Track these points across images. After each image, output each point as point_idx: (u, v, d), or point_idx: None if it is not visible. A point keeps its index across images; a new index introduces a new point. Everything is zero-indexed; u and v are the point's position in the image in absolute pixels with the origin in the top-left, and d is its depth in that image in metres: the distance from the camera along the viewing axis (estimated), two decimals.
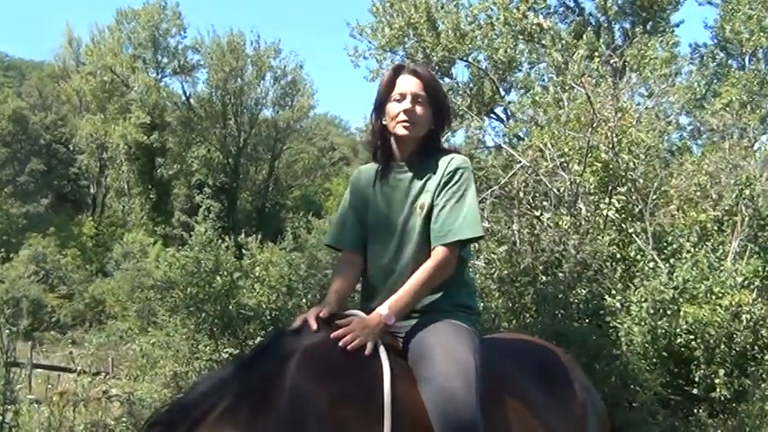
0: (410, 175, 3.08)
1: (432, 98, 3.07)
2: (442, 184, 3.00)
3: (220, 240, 9.27)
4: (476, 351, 2.87)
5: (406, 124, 3.02)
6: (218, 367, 7.14)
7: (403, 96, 3.04)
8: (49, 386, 8.40)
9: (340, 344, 2.73)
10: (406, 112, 3.01)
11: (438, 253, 2.95)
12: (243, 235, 10.23)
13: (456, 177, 2.99)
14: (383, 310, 2.87)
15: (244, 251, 9.72)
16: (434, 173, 3.03)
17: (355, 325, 2.80)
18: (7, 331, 6.48)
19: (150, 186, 42.62)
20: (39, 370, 13.28)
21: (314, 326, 2.78)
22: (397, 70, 3.13)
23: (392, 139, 3.11)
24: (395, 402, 2.64)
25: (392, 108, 3.05)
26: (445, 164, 3.03)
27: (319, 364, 2.64)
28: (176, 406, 2.57)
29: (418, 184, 3.05)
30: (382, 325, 2.84)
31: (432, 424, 2.65)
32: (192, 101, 45.07)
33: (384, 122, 3.11)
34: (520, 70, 20.81)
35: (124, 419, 6.85)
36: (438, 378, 2.71)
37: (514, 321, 7.17)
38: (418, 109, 3.03)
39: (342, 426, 2.52)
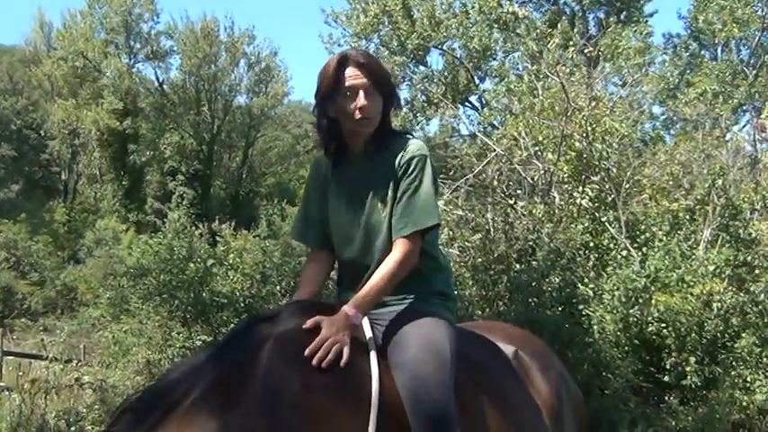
0: (368, 166, 3.01)
1: (379, 86, 2.97)
2: (399, 175, 2.94)
3: (194, 227, 9.23)
4: (451, 339, 2.86)
5: (364, 121, 2.93)
6: (192, 354, 7.12)
7: (354, 91, 2.92)
8: (21, 374, 8.33)
9: (314, 362, 2.63)
10: (361, 109, 2.91)
11: (399, 245, 2.91)
12: (217, 222, 10.19)
13: (411, 167, 2.93)
14: (349, 309, 2.82)
15: (218, 238, 9.68)
16: (392, 162, 2.96)
17: (324, 332, 2.71)
18: None
19: (123, 173, 42.29)
20: (9, 357, 13.18)
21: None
22: (342, 62, 2.97)
23: (345, 133, 3.02)
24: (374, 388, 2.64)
25: (344, 105, 2.93)
26: (401, 153, 2.96)
27: (293, 352, 2.62)
28: (148, 393, 2.55)
29: (377, 176, 2.99)
30: (350, 324, 2.78)
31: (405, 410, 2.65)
32: (165, 87, 44.74)
33: (332, 115, 3.00)
34: (494, 59, 20.86)
35: (96, 407, 6.80)
36: (411, 364, 2.70)
37: (488, 309, 7.20)
38: (371, 102, 2.92)
39: (316, 413, 2.51)
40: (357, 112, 2.91)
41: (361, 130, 2.97)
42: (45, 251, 39.55)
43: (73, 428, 6.54)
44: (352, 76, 2.94)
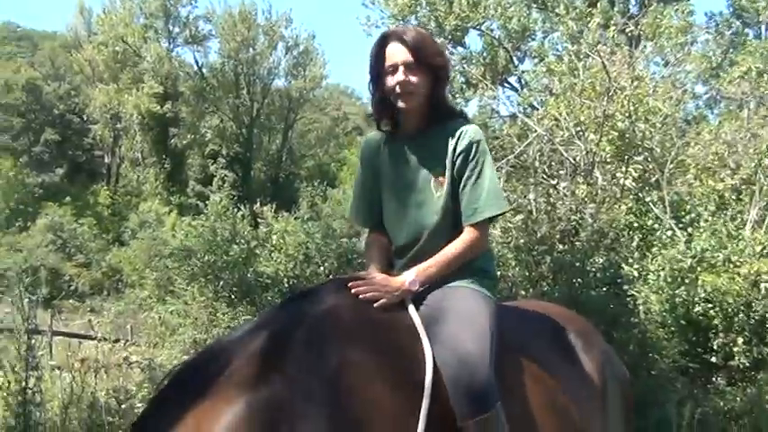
0: (420, 146, 3.02)
1: (424, 61, 2.95)
2: (459, 160, 2.94)
3: (236, 209, 9.30)
4: (491, 315, 2.86)
5: (404, 96, 2.94)
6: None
7: (394, 68, 2.94)
8: (70, 353, 8.45)
9: (360, 297, 2.74)
10: (400, 84, 2.92)
11: (467, 233, 2.93)
12: (258, 204, 10.25)
13: (472, 152, 2.92)
14: (409, 276, 2.85)
15: (259, 220, 9.75)
16: (444, 144, 2.96)
17: (378, 281, 2.81)
18: (27, 299, 6.51)
19: (164, 156, 42.70)
20: (59, 337, 13.38)
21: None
22: (384, 40, 3.00)
23: (396, 110, 3.03)
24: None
25: (387, 81, 2.96)
26: (457, 135, 2.95)
27: (332, 328, 2.64)
28: (190, 366, 2.60)
29: (430, 154, 2.99)
30: (405, 289, 2.83)
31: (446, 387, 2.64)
32: (204, 71, 45.03)
33: (381, 94, 3.02)
34: (533, 39, 20.67)
35: (145, 385, 6.89)
36: (451, 340, 2.70)
37: (531, 290, 7.17)
38: (412, 78, 2.92)
39: (351, 390, 2.51)
40: (397, 87, 2.92)
41: (404, 106, 2.97)
42: (90, 233, 40.12)
43: (123, 406, 6.64)
44: (393, 52, 2.96)
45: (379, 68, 2.99)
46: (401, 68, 2.92)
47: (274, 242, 8.75)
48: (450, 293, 2.89)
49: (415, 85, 2.92)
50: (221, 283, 8.23)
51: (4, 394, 6.02)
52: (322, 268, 7.83)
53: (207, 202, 9.63)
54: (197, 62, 45.67)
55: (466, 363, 2.64)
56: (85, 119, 48.14)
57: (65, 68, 51.42)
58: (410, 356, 2.69)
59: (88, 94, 47.15)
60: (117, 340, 8.99)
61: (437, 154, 2.97)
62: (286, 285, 7.88)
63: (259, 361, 2.49)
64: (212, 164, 42.41)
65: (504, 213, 3.06)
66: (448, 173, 2.95)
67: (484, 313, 2.84)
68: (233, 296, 8.19)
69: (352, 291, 2.76)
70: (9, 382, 6.00)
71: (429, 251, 2.95)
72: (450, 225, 2.97)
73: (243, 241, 8.57)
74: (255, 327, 2.66)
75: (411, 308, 2.85)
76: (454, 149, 2.94)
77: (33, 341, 6.34)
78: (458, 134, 2.95)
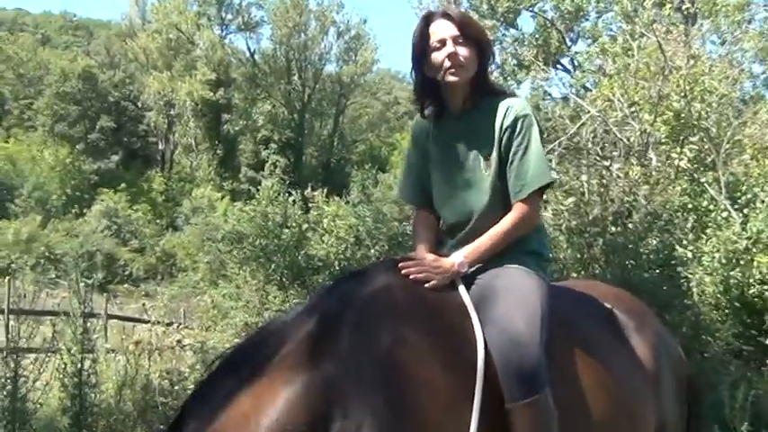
0: (466, 125, 2.98)
1: (471, 37, 2.92)
2: (505, 137, 2.90)
3: (287, 194, 9.35)
4: (543, 296, 2.82)
5: (454, 70, 2.89)
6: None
7: (442, 42, 2.89)
8: (124, 336, 8.60)
9: (411, 277, 2.73)
10: (450, 57, 2.87)
11: (517, 209, 2.90)
12: (309, 189, 10.30)
13: (518, 128, 2.88)
14: (458, 257, 2.83)
15: (310, 205, 9.79)
16: (493, 120, 2.92)
17: (428, 262, 2.79)
18: (83, 283, 6.63)
19: (217, 142, 43.19)
20: (113, 321, 13.64)
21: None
22: (428, 18, 2.97)
23: (442, 90, 2.99)
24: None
25: (435, 57, 2.91)
26: (503, 111, 2.91)
27: (383, 308, 2.63)
28: (241, 349, 2.62)
29: (477, 132, 2.96)
30: (455, 270, 2.81)
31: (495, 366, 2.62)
32: (256, 57, 45.37)
33: (428, 74, 2.97)
34: (587, 19, 20.37)
35: (198, 367, 6.98)
36: (501, 320, 2.67)
37: (583, 272, 7.10)
38: (462, 51, 2.88)
39: (403, 370, 2.50)
40: (446, 60, 2.88)
41: (454, 81, 2.92)
42: (144, 219, 40.80)
43: (176, 387, 6.74)
44: (440, 27, 2.93)
45: (423, 46, 2.95)
46: (449, 42, 2.88)
47: (325, 226, 8.79)
48: (501, 273, 2.86)
49: (465, 58, 2.89)
50: (272, 266, 8.29)
51: (61, 376, 6.14)
52: (373, 251, 7.85)
53: (259, 187, 9.69)
54: (249, 48, 46.17)
55: (516, 343, 2.61)
56: (140, 106, 48.89)
57: (119, 57, 52.27)
58: (462, 337, 2.67)
59: (142, 82, 47.87)
60: (170, 323, 9.13)
61: (484, 132, 2.94)
62: (337, 268, 7.91)
63: (311, 343, 2.49)
64: (264, 149, 42.75)
65: (551, 185, 3.00)
66: (495, 151, 2.91)
67: (535, 293, 2.80)
68: (284, 279, 8.26)
69: (402, 272, 2.75)
70: (65, 365, 6.11)
71: (479, 231, 2.92)
72: (500, 204, 2.93)
73: (294, 225, 8.62)
74: (306, 309, 2.66)
75: (461, 288, 2.82)
76: (501, 126, 2.90)
77: (89, 324, 6.44)
78: (504, 110, 2.91)
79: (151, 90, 45.22)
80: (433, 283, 2.77)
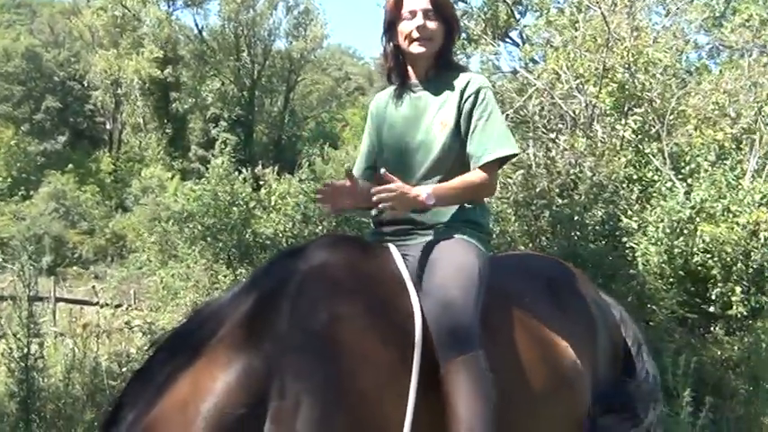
0: (427, 93, 3.07)
1: (441, 12, 3.05)
2: (467, 105, 2.99)
3: (237, 173, 9.28)
4: (481, 266, 2.85)
5: (421, 41, 3.01)
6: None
7: (413, 14, 3.01)
8: (73, 319, 8.49)
9: (374, 198, 2.78)
10: (419, 28, 2.99)
11: (478, 173, 2.96)
12: (260, 167, 10.23)
13: (480, 97, 2.98)
14: (426, 190, 2.86)
15: (261, 183, 9.74)
16: (452, 90, 3.02)
17: (397, 188, 2.80)
18: (30, 267, 6.52)
19: (166, 121, 42.66)
20: (62, 304, 13.46)
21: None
22: None
23: (406, 59, 3.10)
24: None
25: (404, 27, 3.03)
26: (464, 83, 3.01)
27: (321, 285, 2.64)
28: (179, 332, 2.61)
29: (436, 101, 3.04)
30: (421, 200, 2.83)
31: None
32: (204, 34, 44.79)
33: (396, 43, 3.09)
34: None
35: (147, 348, 6.93)
36: (436, 290, 2.71)
37: (531, 244, 7.17)
38: (430, 24, 3.00)
39: (341, 347, 2.51)
40: (415, 31, 3.00)
41: (421, 52, 3.04)
42: (93, 201, 40.24)
43: (125, 369, 6.68)
44: (412, 0, 3.04)
45: (395, 15, 3.06)
46: (420, 14, 3.00)
47: (273, 203, 8.75)
48: (440, 245, 2.90)
49: (432, 32, 3.01)
50: (220, 245, 8.24)
51: (7, 361, 6.06)
52: (320, 228, 7.83)
53: (209, 165, 9.60)
54: (197, 25, 45.51)
55: (448, 307, 2.66)
56: (86, 85, 47.99)
57: (64, 35, 51.23)
58: (400, 310, 2.69)
59: (88, 61, 47.02)
60: (119, 305, 9.04)
61: (444, 100, 3.04)
62: (284, 245, 7.88)
63: (248, 324, 2.50)
64: (214, 127, 42.32)
65: (513, 157, 3.09)
66: (453, 116, 3.00)
67: (472, 263, 2.85)
68: (232, 258, 8.21)
69: (374, 198, 2.78)
70: (11, 349, 6.03)
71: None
72: (446, 166, 3.00)
73: (242, 203, 8.56)
74: (243, 289, 2.66)
75: (400, 261, 2.87)
76: (461, 94, 3.00)
77: (36, 308, 6.35)
78: (466, 81, 3.03)
79: (97, 69, 44.43)
80: (394, 208, 2.82)
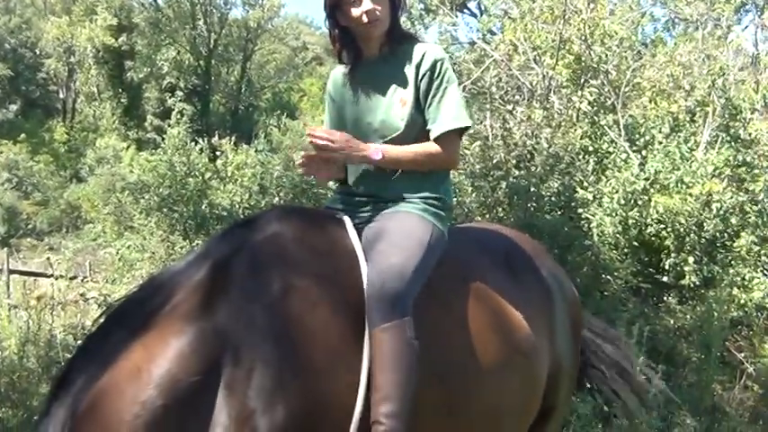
0: (382, 67, 3.06)
1: None
2: (424, 81, 2.98)
3: (194, 143, 9.19)
4: (431, 237, 2.88)
5: (371, 25, 2.97)
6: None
7: None
8: (27, 291, 8.38)
9: (318, 143, 2.83)
10: (367, 13, 2.95)
11: (433, 145, 2.98)
12: (216, 137, 10.14)
13: (437, 70, 2.97)
14: (375, 145, 2.90)
15: (217, 153, 9.65)
16: (408, 63, 3.01)
17: (341, 137, 2.85)
18: None
19: (121, 90, 42.06)
20: (16, 276, 13.28)
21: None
22: None
23: (357, 39, 3.07)
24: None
25: (353, 12, 2.97)
26: (420, 55, 3.00)
27: (274, 255, 2.66)
28: (131, 300, 2.60)
29: (392, 76, 3.03)
30: (366, 155, 2.88)
31: None
32: (159, 1, 44.08)
33: (344, 25, 3.04)
34: None
35: (98, 315, 6.89)
36: (377, 256, 2.74)
37: (487, 215, 7.21)
38: (377, 5, 2.96)
39: (293, 316, 2.54)
40: (364, 16, 2.95)
41: (372, 34, 3.02)
42: (47, 171, 39.61)
43: (80, 342, 6.63)
44: None
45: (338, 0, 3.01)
46: None
47: (230, 174, 8.69)
48: (394, 217, 2.93)
49: (380, 12, 2.97)
50: (176, 216, 8.18)
51: None
52: (277, 199, 7.79)
53: (165, 135, 9.48)
54: None
55: (382, 273, 2.68)
56: (38, 53, 47.07)
57: (15, 1, 50.08)
58: (351, 281, 2.72)
59: (40, 28, 46.09)
60: (74, 277, 8.94)
61: (401, 75, 3.03)
62: (241, 216, 7.84)
63: (201, 293, 2.50)
64: (170, 97, 41.70)
65: (467, 129, 3.10)
66: (412, 93, 2.99)
67: (420, 234, 2.87)
68: (188, 229, 8.15)
69: (314, 140, 2.82)
70: None
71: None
72: (413, 141, 3.00)
73: (198, 174, 8.49)
74: (196, 258, 2.66)
75: (353, 233, 2.89)
76: (417, 69, 2.99)
77: None
78: (421, 54, 3.00)
79: (49, 36, 43.62)
80: (341, 156, 2.86)
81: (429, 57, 2.99)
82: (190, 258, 2.67)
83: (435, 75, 2.98)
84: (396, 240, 2.79)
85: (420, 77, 2.99)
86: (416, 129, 3.00)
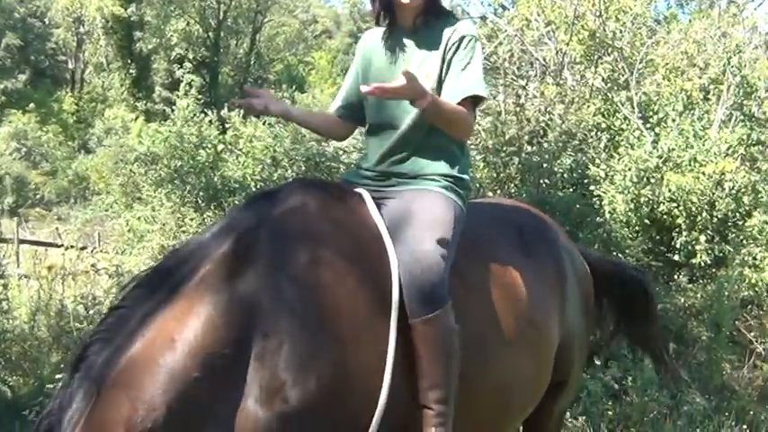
0: (414, 41, 3.08)
1: None
2: (450, 53, 3.00)
3: (203, 114, 9.15)
4: (455, 219, 2.92)
5: None
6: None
7: None
8: (37, 261, 8.43)
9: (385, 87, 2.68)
10: None
11: (461, 107, 2.98)
12: (225, 109, 10.11)
13: (463, 44, 2.99)
14: (429, 91, 2.77)
15: (227, 125, 9.62)
16: (440, 40, 3.03)
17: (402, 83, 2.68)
18: None
19: (130, 61, 41.86)
20: (25, 246, 13.33)
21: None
22: None
23: (394, 5, 3.08)
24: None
25: None
26: (450, 32, 3.02)
27: (298, 227, 2.67)
28: (157, 270, 2.61)
29: (422, 52, 3.06)
30: (420, 94, 2.69)
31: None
32: None
33: None
34: None
35: (113, 291, 6.89)
36: (411, 241, 2.76)
37: (499, 191, 7.19)
38: None
39: (320, 288, 2.56)
40: None
41: (409, 4, 3.02)
42: (55, 141, 39.60)
43: (91, 312, 6.65)
44: None
45: None
46: None
47: (241, 146, 8.66)
48: (418, 196, 2.96)
49: None
50: (188, 188, 8.16)
51: None
52: (290, 172, 7.76)
53: (173, 107, 9.44)
54: None
55: (419, 262, 2.71)
56: (47, 23, 46.92)
57: None
58: (376, 255, 2.75)
59: None
60: (84, 247, 8.97)
61: (430, 49, 3.04)
62: (253, 189, 7.82)
63: (228, 263, 2.51)
64: (179, 68, 41.57)
65: (483, 101, 3.16)
66: (438, 66, 3.01)
67: (447, 216, 2.90)
68: (200, 201, 8.14)
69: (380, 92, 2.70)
70: None
71: (407, 138, 3.04)
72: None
73: (210, 146, 8.46)
74: (221, 229, 2.67)
75: (374, 208, 2.91)
76: (446, 43, 3.01)
77: None
78: (452, 31, 3.02)
79: (59, 6, 43.47)
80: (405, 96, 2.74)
81: (459, 32, 3.01)
82: (214, 230, 2.68)
83: (461, 47, 2.99)
84: (425, 224, 2.82)
85: (447, 50, 3.01)
86: None
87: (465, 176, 3.11)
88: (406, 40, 3.10)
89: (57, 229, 10.69)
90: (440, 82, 3.01)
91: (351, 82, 3.28)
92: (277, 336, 2.42)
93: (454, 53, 3.00)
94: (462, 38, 3.00)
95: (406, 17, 3.09)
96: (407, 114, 3.02)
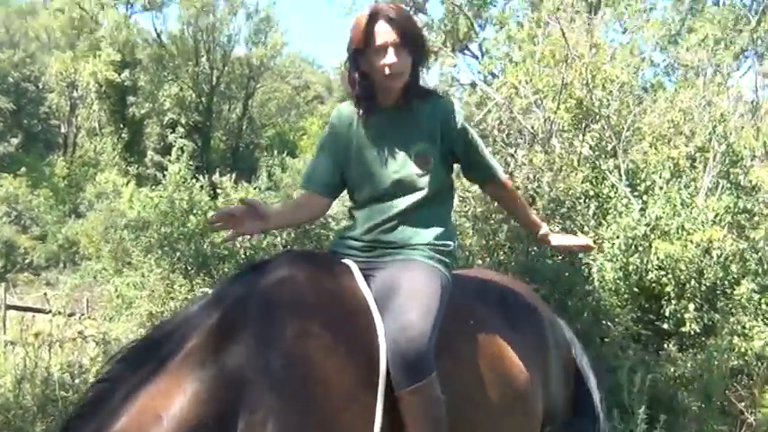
0: (398, 119, 3.08)
1: (410, 42, 3.02)
2: (461, 140, 3.11)
3: (194, 180, 9.18)
4: (442, 289, 2.92)
5: (394, 77, 2.99)
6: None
7: (384, 48, 2.97)
8: (24, 327, 8.33)
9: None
10: (390, 66, 2.97)
11: (507, 183, 3.41)
12: (217, 174, 10.14)
13: (468, 130, 3.13)
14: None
15: (218, 191, 9.64)
16: (430, 118, 3.06)
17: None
18: None
19: (122, 125, 42.11)
20: (12, 311, 13.22)
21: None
22: (372, 18, 3.01)
23: (375, 86, 3.07)
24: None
25: (375, 61, 2.99)
26: (444, 112, 3.08)
27: (287, 300, 2.67)
28: (143, 343, 2.60)
29: (409, 130, 3.06)
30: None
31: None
32: (163, 38, 44.39)
33: (364, 70, 3.05)
34: (495, 6, 20.64)
35: (100, 359, 6.81)
36: (397, 311, 2.76)
37: (488, 259, 7.20)
38: (401, 59, 2.98)
39: (307, 362, 2.55)
40: (386, 68, 2.97)
41: (391, 86, 3.03)
42: (46, 205, 39.50)
43: (77, 380, 6.57)
44: (383, 32, 2.99)
45: (362, 44, 3.01)
46: (391, 49, 2.97)
47: None
48: (405, 267, 2.96)
49: (403, 66, 3.00)
50: (178, 254, 8.15)
51: None
52: (279, 239, 7.76)
53: (165, 172, 9.48)
54: (156, 29, 45.04)
55: (404, 331, 2.70)
56: (41, 87, 47.28)
57: (19, 35, 50.40)
58: (363, 328, 2.74)
59: (44, 62, 46.33)
60: (72, 314, 8.89)
61: (418, 129, 3.06)
62: (243, 256, 7.82)
63: (215, 338, 2.51)
64: (171, 133, 41.72)
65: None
66: (436, 151, 3.06)
67: (434, 287, 2.90)
68: (189, 268, 8.12)
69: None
70: None
71: (406, 221, 3.06)
72: (432, 201, 3.07)
73: (200, 212, 8.48)
74: (209, 302, 2.67)
75: (361, 280, 2.91)
76: (446, 125, 3.07)
77: None
78: (445, 111, 3.09)
79: (53, 70, 43.82)
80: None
81: (458, 116, 3.09)
82: (202, 302, 2.69)
83: (469, 134, 3.13)
84: (411, 294, 2.81)
85: (450, 133, 3.07)
86: (439, 185, 3.09)
87: (451, 244, 3.12)
88: (390, 119, 3.09)
89: (45, 294, 10.61)
90: (443, 163, 3.10)
91: (328, 161, 3.19)
92: (263, 410, 2.40)
93: (466, 135, 3.12)
94: (464, 122, 3.12)
95: (388, 98, 3.08)
96: (402, 200, 3.04)
